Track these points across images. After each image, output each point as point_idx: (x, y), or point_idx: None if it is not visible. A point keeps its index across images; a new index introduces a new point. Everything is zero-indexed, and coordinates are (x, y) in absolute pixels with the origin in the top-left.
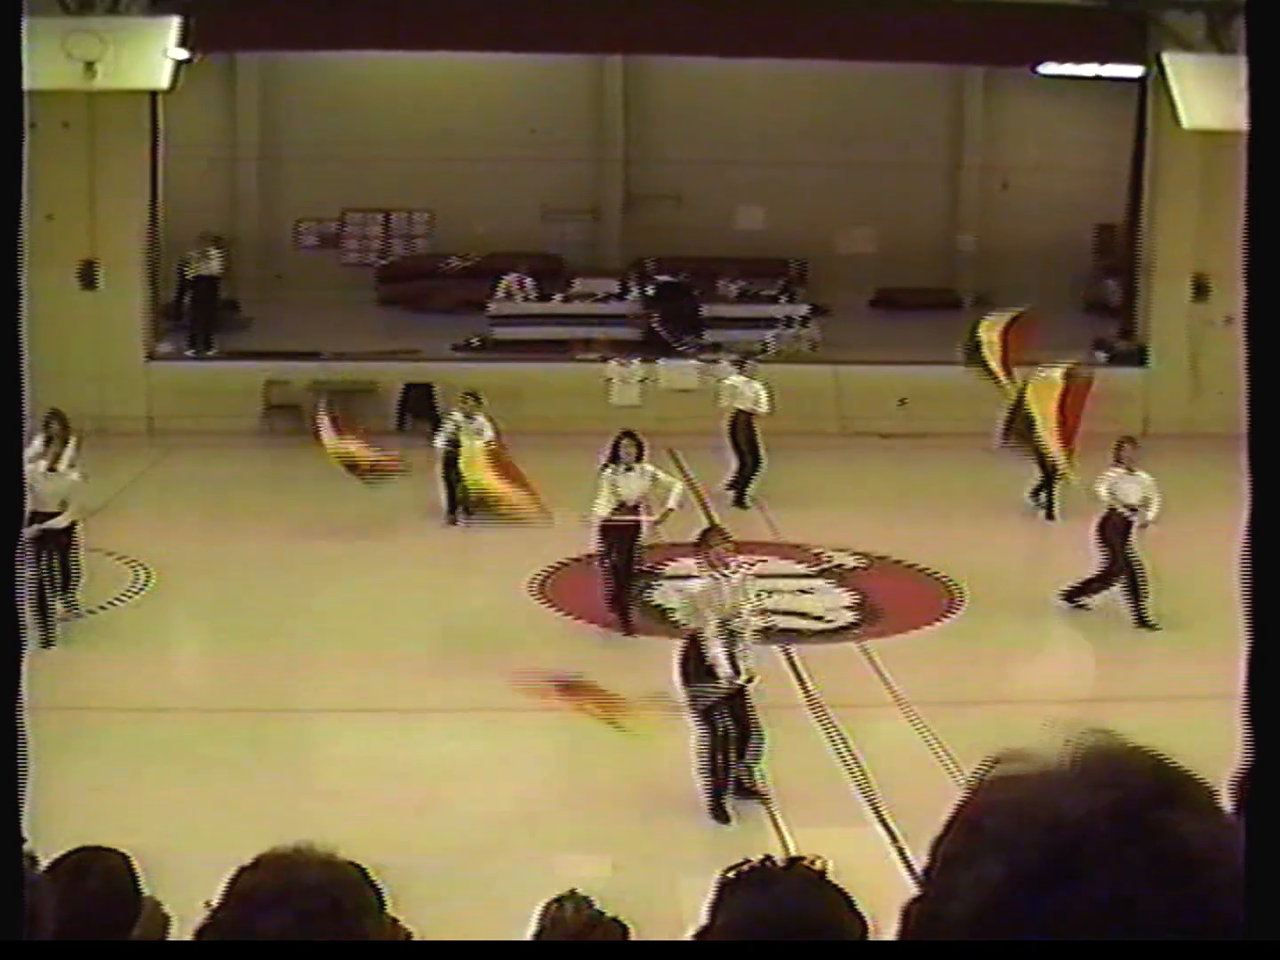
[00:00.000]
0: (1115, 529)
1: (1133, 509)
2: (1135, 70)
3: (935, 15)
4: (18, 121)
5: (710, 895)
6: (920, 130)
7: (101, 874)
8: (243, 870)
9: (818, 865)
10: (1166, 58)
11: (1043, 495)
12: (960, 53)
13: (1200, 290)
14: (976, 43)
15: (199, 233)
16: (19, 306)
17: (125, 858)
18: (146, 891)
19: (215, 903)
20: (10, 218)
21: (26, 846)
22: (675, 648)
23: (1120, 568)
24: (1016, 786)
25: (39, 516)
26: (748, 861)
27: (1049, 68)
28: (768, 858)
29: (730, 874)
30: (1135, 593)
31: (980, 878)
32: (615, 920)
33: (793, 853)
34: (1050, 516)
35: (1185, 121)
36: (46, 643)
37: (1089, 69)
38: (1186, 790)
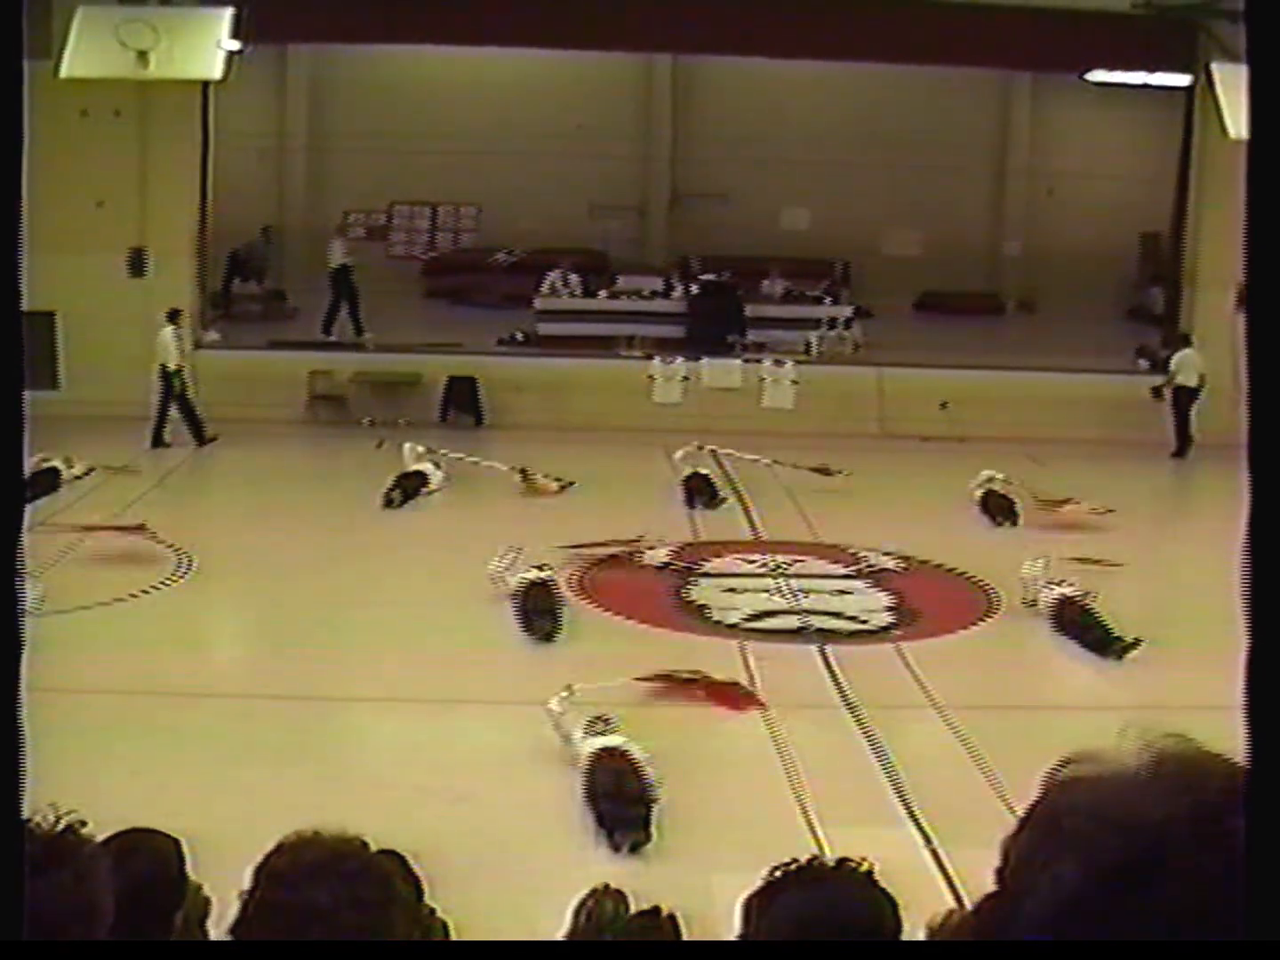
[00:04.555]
0: None
1: None
2: (1183, 79)
3: (984, 20)
4: (17, 121)
5: (753, 891)
6: (967, 135)
7: (148, 856)
8: (282, 845)
9: (864, 866)
10: (1214, 67)
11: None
12: (1009, 58)
13: (1243, 300)
14: (1025, 48)
15: (335, 225)
16: (19, 305)
17: (174, 840)
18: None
19: (255, 877)
20: (11, 217)
21: (86, 830)
22: (714, 645)
23: None
24: (1093, 787)
25: None
26: (795, 860)
27: (1097, 74)
28: (815, 857)
29: (778, 872)
30: None
31: (1057, 877)
32: (670, 916)
33: (826, 851)
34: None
35: (1232, 131)
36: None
37: (1137, 77)
38: None
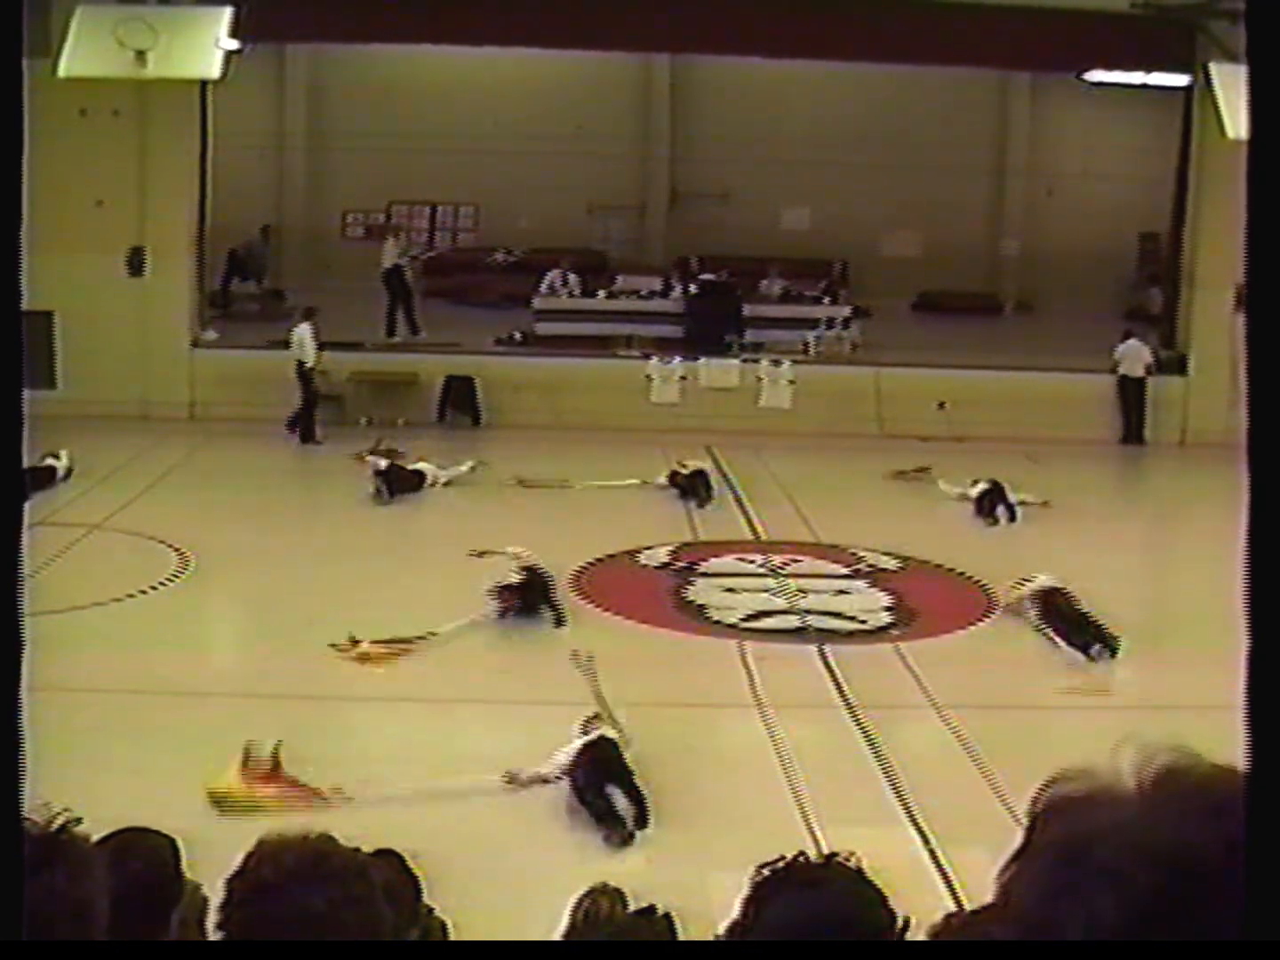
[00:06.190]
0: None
1: None
2: (1182, 79)
3: (983, 20)
4: (18, 121)
5: (745, 891)
6: (966, 135)
7: (144, 855)
8: (255, 853)
9: (852, 862)
10: (1213, 67)
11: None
12: (1008, 58)
13: (1242, 300)
14: (1024, 48)
15: (388, 226)
16: (19, 304)
17: (170, 839)
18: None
19: (230, 890)
20: (11, 217)
21: (80, 828)
22: (713, 645)
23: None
24: (1113, 812)
25: None
26: (783, 857)
27: (1096, 75)
28: (801, 853)
29: (767, 870)
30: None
31: (1092, 913)
32: (665, 916)
33: (824, 850)
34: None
35: (1230, 131)
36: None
37: (1135, 77)
38: None
